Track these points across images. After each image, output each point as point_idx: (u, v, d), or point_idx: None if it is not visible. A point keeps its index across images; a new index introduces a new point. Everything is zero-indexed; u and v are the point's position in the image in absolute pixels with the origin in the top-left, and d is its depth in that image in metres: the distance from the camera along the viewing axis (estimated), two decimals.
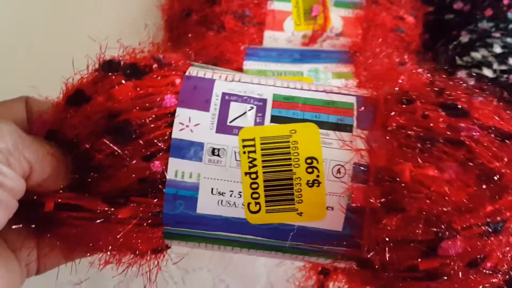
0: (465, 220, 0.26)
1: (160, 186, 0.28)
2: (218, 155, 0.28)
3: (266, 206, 0.28)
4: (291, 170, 0.28)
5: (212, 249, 0.31)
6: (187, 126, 0.28)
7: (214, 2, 0.54)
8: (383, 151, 0.27)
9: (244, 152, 0.28)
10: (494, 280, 0.28)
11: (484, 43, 0.53)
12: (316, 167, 0.28)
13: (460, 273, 0.26)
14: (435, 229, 0.26)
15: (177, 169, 0.28)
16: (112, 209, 0.28)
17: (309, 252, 0.30)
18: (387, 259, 0.27)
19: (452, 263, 0.26)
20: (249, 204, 0.28)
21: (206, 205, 0.28)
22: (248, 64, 0.50)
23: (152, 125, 0.28)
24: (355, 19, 0.55)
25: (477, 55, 0.53)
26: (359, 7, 0.56)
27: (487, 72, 0.52)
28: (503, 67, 0.52)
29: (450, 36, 0.55)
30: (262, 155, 0.28)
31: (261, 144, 0.28)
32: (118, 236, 0.28)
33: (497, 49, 0.52)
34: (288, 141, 0.28)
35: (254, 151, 0.28)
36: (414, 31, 0.56)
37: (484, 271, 0.27)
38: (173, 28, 0.57)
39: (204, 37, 0.54)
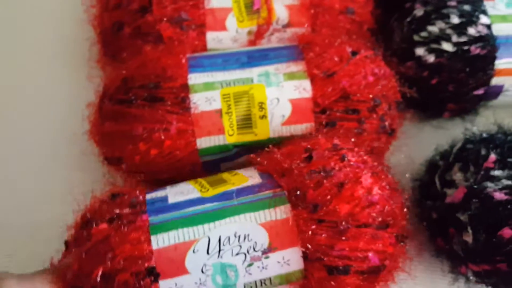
0: None
1: None
2: None
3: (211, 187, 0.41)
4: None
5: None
6: None
7: (145, 11, 0.50)
8: None
9: None
10: None
11: (440, 14, 0.49)
12: None
13: None
14: None
15: None
16: None
17: (254, 206, 0.39)
18: None
19: None
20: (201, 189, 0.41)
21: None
22: (193, 78, 0.46)
23: None
24: (301, 6, 0.51)
25: (434, 28, 0.49)
26: None
27: (447, 46, 0.49)
28: (463, 39, 0.48)
29: (404, 10, 0.52)
30: None
31: None
32: None
33: (455, 20, 0.49)
34: None
35: None
36: (365, 8, 0.53)
37: None
38: (107, 44, 0.52)
39: (141, 52, 0.49)
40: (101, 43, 0.52)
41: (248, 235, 0.38)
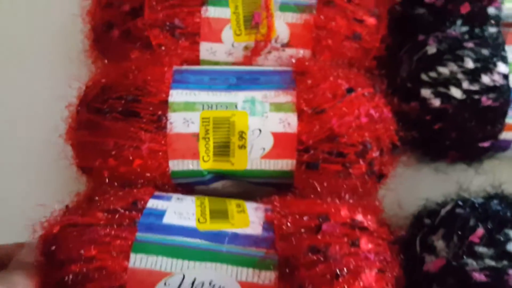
0: None
1: None
2: None
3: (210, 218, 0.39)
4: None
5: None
6: None
7: (136, 14, 0.46)
8: None
9: None
10: None
11: (453, 56, 0.45)
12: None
13: None
14: None
15: None
16: None
17: (241, 260, 0.37)
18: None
19: None
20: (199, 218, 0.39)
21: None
22: (174, 94, 0.43)
23: None
24: (304, 26, 0.47)
25: (444, 70, 0.45)
26: (309, 10, 0.47)
27: (455, 92, 0.44)
28: (475, 87, 0.44)
29: (416, 44, 0.47)
30: None
31: None
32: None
33: (469, 64, 0.44)
34: None
35: None
36: (375, 35, 0.48)
37: None
38: (97, 41, 0.49)
39: (127, 57, 0.46)
40: (91, 40, 0.50)
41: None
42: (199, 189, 0.46)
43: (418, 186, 0.49)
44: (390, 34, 0.49)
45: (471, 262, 0.36)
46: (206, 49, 0.48)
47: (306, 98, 0.42)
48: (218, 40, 0.48)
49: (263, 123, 0.42)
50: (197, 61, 0.48)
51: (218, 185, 0.46)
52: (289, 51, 0.48)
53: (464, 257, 0.37)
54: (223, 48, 0.48)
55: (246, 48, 0.48)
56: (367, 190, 0.44)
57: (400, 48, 0.49)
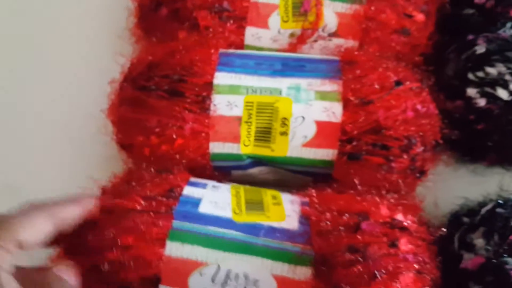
0: None
1: None
2: None
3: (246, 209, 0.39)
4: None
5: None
6: None
7: None
8: None
9: None
10: None
11: (503, 56, 0.44)
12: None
13: None
14: None
15: None
16: None
17: (276, 254, 0.36)
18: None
19: None
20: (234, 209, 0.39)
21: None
22: (220, 77, 0.43)
23: None
24: (353, 17, 0.47)
25: (492, 70, 0.44)
26: (359, 1, 0.47)
27: (502, 93, 0.44)
28: None
29: (464, 43, 0.47)
30: None
31: None
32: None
33: None
34: None
35: None
36: (423, 31, 0.48)
37: None
38: (143, 20, 0.50)
39: (174, 37, 0.47)
40: (137, 17, 0.50)
41: (257, 281, 0.36)
42: (236, 173, 0.45)
43: (455, 186, 0.48)
44: (438, 31, 0.48)
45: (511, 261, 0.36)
46: (252, 34, 0.48)
47: (353, 88, 0.42)
48: (265, 25, 0.47)
49: (307, 111, 0.42)
50: (242, 46, 0.48)
51: (255, 170, 0.45)
52: (336, 41, 0.47)
53: (504, 255, 0.36)
54: (268, 34, 0.48)
55: (292, 35, 0.48)
56: (406, 186, 0.43)
57: (447, 46, 0.48)
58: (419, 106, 0.42)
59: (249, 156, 0.43)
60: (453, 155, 0.49)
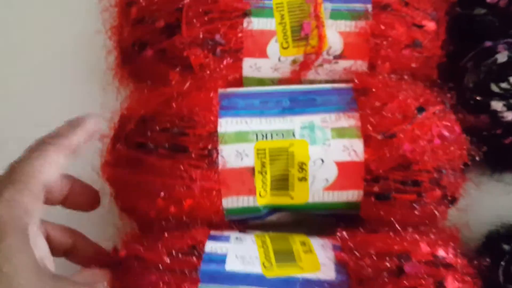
0: None
1: None
2: None
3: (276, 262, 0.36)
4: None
5: None
6: None
7: (173, 32, 0.41)
8: None
9: None
10: None
11: None
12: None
13: None
14: None
15: None
16: None
17: None
18: None
19: None
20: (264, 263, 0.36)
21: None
22: (224, 124, 0.38)
23: None
24: (359, 35, 0.43)
25: None
26: (364, 17, 0.43)
27: None
28: None
29: (483, 50, 0.43)
30: None
31: None
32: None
33: None
34: None
35: None
36: (436, 41, 0.44)
37: None
38: (126, 61, 0.45)
39: (164, 80, 0.42)
40: (119, 59, 0.45)
41: None
42: (254, 223, 0.42)
43: (487, 205, 0.45)
44: (451, 39, 0.44)
45: None
46: (250, 66, 0.43)
47: (372, 121, 0.38)
48: (263, 55, 0.43)
49: (325, 152, 0.38)
50: (240, 79, 0.44)
51: (273, 217, 0.42)
52: (343, 63, 0.43)
53: None
54: (268, 64, 0.43)
55: (294, 62, 0.43)
56: (439, 216, 0.40)
57: (463, 55, 0.44)
58: (445, 132, 0.39)
59: (266, 207, 0.39)
60: (481, 172, 0.45)
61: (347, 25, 0.43)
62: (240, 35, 0.42)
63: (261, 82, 0.44)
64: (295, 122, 0.39)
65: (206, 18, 0.41)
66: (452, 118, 0.40)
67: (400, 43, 0.42)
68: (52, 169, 0.31)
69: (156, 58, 0.42)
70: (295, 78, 0.44)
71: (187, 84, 0.40)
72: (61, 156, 0.32)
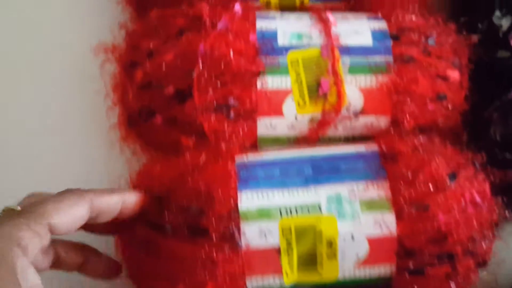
0: None
1: None
2: None
3: None
4: None
5: None
6: None
7: (184, 98, 0.39)
8: None
9: None
10: None
11: None
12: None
13: None
14: None
15: None
16: None
17: None
18: None
19: None
20: None
21: None
22: (245, 199, 0.36)
23: None
24: (380, 90, 0.40)
25: None
26: (385, 70, 0.40)
27: None
28: None
29: (509, 100, 0.40)
30: None
31: None
32: None
33: None
34: None
35: None
36: (459, 91, 0.41)
37: None
38: (133, 128, 0.42)
39: (176, 147, 0.39)
40: (125, 125, 0.42)
41: None
42: None
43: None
44: (474, 87, 0.42)
45: None
46: (265, 125, 0.41)
47: (404, 193, 0.36)
48: (279, 113, 0.40)
49: (355, 227, 0.36)
50: (254, 139, 0.41)
51: None
52: (364, 119, 0.41)
53: None
54: (284, 122, 0.41)
55: (312, 120, 0.41)
56: (470, 282, 0.38)
57: (487, 104, 0.42)
58: (478, 198, 0.37)
59: (293, 285, 0.37)
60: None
61: (367, 80, 0.40)
62: (254, 96, 0.39)
63: (277, 140, 0.42)
64: (320, 194, 0.36)
65: (218, 82, 0.39)
66: (483, 180, 0.38)
67: (424, 97, 0.40)
68: (69, 218, 0.31)
69: (165, 125, 0.39)
70: (313, 136, 0.41)
71: (203, 157, 0.37)
72: (85, 210, 0.32)
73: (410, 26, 0.42)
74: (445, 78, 0.41)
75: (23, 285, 0.28)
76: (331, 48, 0.40)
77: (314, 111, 0.40)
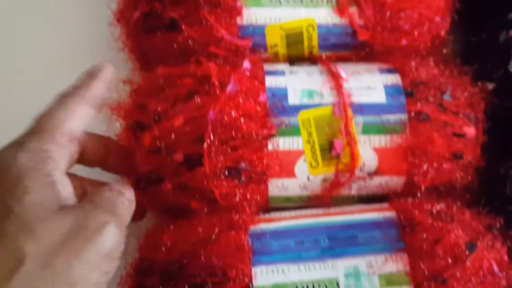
0: None
1: None
2: None
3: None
4: None
5: None
6: None
7: (193, 165, 0.37)
8: None
9: None
10: None
11: None
12: None
13: None
14: None
15: None
16: None
17: None
18: None
19: None
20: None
21: None
22: (259, 275, 0.35)
23: None
24: (395, 150, 0.39)
25: None
26: (399, 129, 0.39)
27: None
28: None
29: None
30: None
31: None
32: None
33: None
34: None
35: None
36: (476, 148, 0.40)
37: None
38: (142, 193, 0.40)
39: (186, 212, 0.38)
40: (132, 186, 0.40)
41: None
42: None
43: None
44: (490, 141, 0.41)
45: None
46: (277, 186, 0.40)
47: (423, 267, 0.35)
48: (291, 175, 0.39)
49: None
50: (265, 200, 0.40)
51: None
52: (378, 179, 0.40)
53: None
54: (296, 183, 0.40)
55: (324, 180, 0.40)
56: None
57: (503, 160, 0.41)
58: (496, 268, 0.36)
59: None
60: None
61: (381, 140, 0.39)
62: (265, 159, 0.38)
63: (288, 200, 0.41)
64: (338, 268, 0.35)
65: (229, 147, 0.37)
66: (501, 247, 0.37)
67: (440, 157, 0.39)
68: (77, 119, 0.32)
69: (175, 190, 0.38)
70: (326, 195, 0.40)
71: (216, 230, 0.36)
72: (84, 106, 0.33)
73: (425, 79, 0.40)
74: (461, 136, 0.39)
75: (61, 195, 0.29)
76: (344, 107, 0.39)
77: (327, 171, 0.39)
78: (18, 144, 0.30)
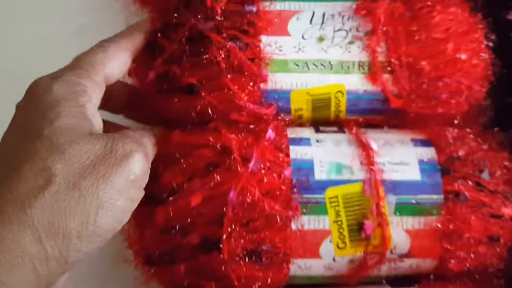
0: None
1: None
2: None
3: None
4: None
5: None
6: None
7: (210, 249, 0.34)
8: None
9: None
10: None
11: None
12: None
13: None
14: None
15: None
16: None
17: None
18: None
19: None
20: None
21: None
22: None
23: None
24: (429, 234, 0.36)
25: None
26: (434, 211, 0.36)
27: None
28: None
29: None
30: None
31: None
32: None
33: None
34: None
35: None
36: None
37: None
38: (152, 267, 0.37)
39: None
40: (142, 263, 0.37)
41: None
42: None
43: None
44: None
45: None
46: (299, 266, 0.37)
47: None
48: (315, 256, 0.36)
49: None
50: (285, 279, 0.37)
51: None
52: (409, 261, 0.37)
53: None
54: (321, 263, 0.37)
55: (352, 262, 0.37)
56: None
57: None
58: None
59: None
60: None
61: (415, 222, 0.36)
62: (289, 240, 0.35)
63: (311, 279, 0.38)
64: None
65: (249, 229, 0.34)
66: None
67: (475, 240, 0.36)
68: (114, 64, 0.33)
69: (188, 272, 0.35)
70: (353, 276, 0.37)
71: None
72: (123, 54, 0.34)
73: (462, 155, 0.37)
74: (499, 217, 0.37)
75: (92, 124, 0.30)
76: (375, 184, 0.36)
77: (355, 253, 0.36)
78: (55, 76, 0.31)
